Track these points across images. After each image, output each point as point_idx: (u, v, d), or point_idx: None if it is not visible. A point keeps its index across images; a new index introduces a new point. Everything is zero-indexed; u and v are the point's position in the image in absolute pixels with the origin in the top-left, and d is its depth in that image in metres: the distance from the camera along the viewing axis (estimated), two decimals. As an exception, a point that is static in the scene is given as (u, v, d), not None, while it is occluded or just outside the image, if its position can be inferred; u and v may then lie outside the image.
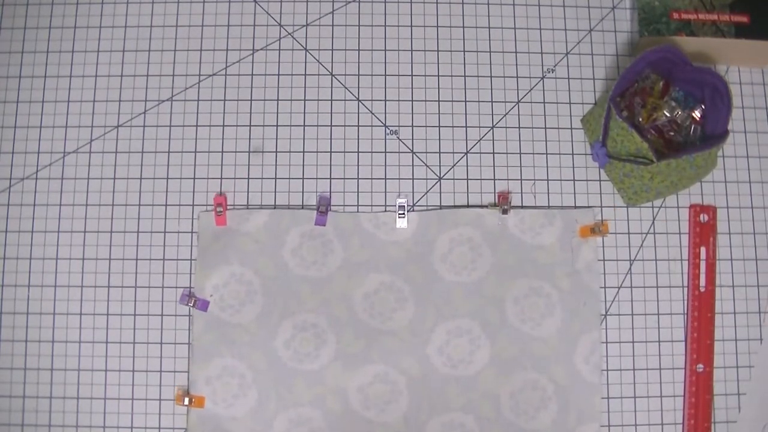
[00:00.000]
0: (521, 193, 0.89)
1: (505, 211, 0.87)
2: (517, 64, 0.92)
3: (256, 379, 0.84)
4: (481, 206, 0.88)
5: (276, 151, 0.89)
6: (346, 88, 0.91)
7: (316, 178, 0.89)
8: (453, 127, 0.91)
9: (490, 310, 0.86)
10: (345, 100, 0.91)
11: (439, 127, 0.90)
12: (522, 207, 0.88)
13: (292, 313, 0.85)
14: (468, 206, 0.88)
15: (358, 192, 0.89)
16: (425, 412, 0.84)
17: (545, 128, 0.91)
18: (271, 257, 0.86)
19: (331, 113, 0.90)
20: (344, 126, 0.90)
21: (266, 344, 0.85)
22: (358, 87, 0.91)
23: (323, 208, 0.87)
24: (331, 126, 0.90)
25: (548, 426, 0.84)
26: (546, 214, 0.88)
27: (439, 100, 0.91)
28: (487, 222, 0.87)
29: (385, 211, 0.88)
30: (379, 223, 0.87)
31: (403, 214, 0.87)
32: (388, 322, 0.85)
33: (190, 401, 0.83)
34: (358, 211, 0.88)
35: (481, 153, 0.90)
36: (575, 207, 0.89)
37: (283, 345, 0.84)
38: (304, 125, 0.90)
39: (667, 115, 0.87)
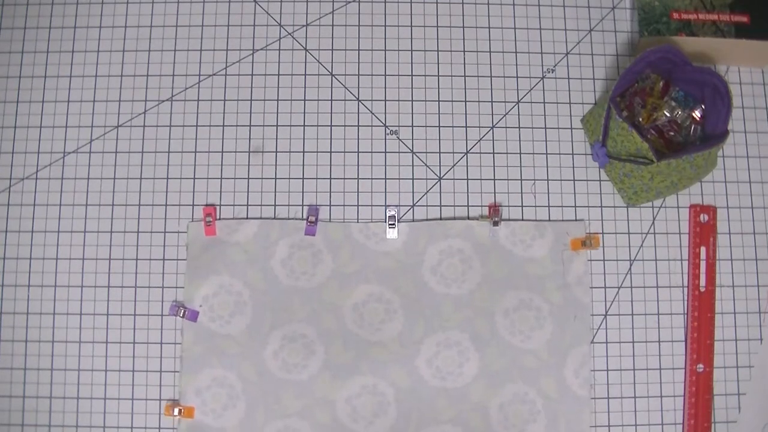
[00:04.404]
0: (521, 193, 0.89)
1: (496, 223, 0.87)
2: (517, 64, 0.92)
3: (245, 389, 0.84)
4: (472, 218, 0.87)
5: (276, 151, 0.89)
6: (346, 88, 0.91)
7: (316, 178, 0.89)
8: (453, 127, 0.91)
9: (479, 323, 0.85)
10: (345, 100, 0.91)
11: (439, 127, 0.90)
12: (512, 209, 0.89)
13: (282, 323, 0.85)
14: (456, 209, 0.88)
15: (357, 192, 0.89)
16: (414, 424, 0.84)
17: (545, 128, 0.91)
18: (261, 268, 0.86)
19: (331, 113, 0.90)
20: (344, 126, 0.90)
21: (255, 355, 0.84)
22: (358, 87, 0.91)
23: (313, 218, 0.87)
24: (331, 126, 0.90)
25: None
26: (537, 226, 0.87)
27: (439, 100, 0.91)
28: (477, 234, 0.87)
29: (386, 211, 0.88)
30: (369, 234, 0.87)
31: (394, 224, 0.87)
32: (377, 333, 0.85)
33: (180, 412, 0.83)
34: (357, 212, 0.88)
35: (481, 153, 0.90)
36: (564, 209, 0.89)
37: (272, 355, 0.84)
38: (304, 125, 0.90)
39: (667, 115, 0.87)
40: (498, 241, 0.87)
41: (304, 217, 0.87)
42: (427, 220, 0.88)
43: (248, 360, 0.84)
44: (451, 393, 0.84)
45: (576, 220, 0.88)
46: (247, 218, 0.87)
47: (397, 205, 0.88)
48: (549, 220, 0.88)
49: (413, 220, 0.88)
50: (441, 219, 0.88)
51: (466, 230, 0.87)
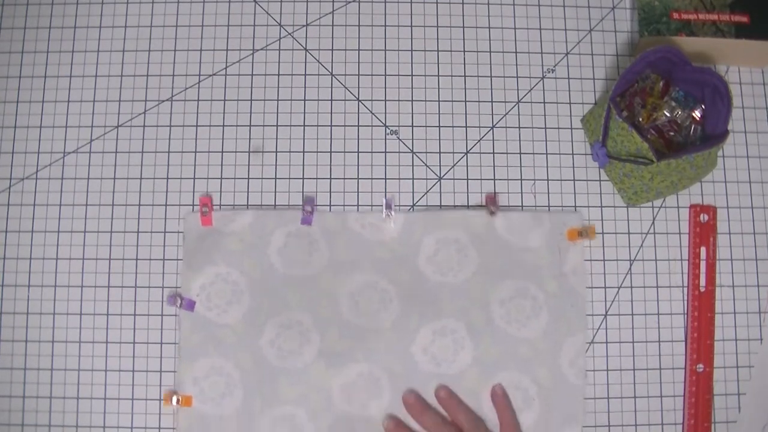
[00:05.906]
0: (521, 193, 0.89)
1: (492, 213, 0.87)
2: (517, 64, 0.92)
3: (242, 377, 0.84)
4: (469, 206, 0.87)
5: (276, 151, 0.89)
6: (346, 88, 0.91)
7: (316, 178, 0.89)
8: (453, 127, 0.91)
9: (475, 312, 0.85)
10: (345, 100, 0.91)
11: (439, 127, 0.91)
12: (511, 207, 0.89)
13: (278, 312, 0.85)
14: (455, 206, 0.88)
15: (357, 192, 0.89)
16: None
17: (545, 128, 0.91)
18: (257, 257, 0.86)
19: (331, 113, 0.90)
20: (344, 126, 0.90)
21: (252, 343, 0.85)
22: (358, 87, 0.91)
23: (309, 207, 0.87)
24: (331, 126, 0.90)
25: (531, 426, 0.84)
26: (534, 217, 0.87)
27: (439, 100, 0.91)
28: (473, 223, 0.87)
29: (384, 200, 0.88)
30: (365, 223, 0.87)
31: (390, 214, 0.87)
32: (373, 322, 0.85)
33: (178, 401, 0.83)
34: (358, 211, 0.88)
35: (481, 153, 0.90)
36: (564, 208, 0.89)
37: (268, 343, 0.85)
38: (304, 125, 0.90)
39: (667, 115, 0.87)
40: (494, 231, 0.87)
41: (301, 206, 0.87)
42: (429, 208, 0.87)
43: (245, 349, 0.84)
44: (444, 379, 0.84)
45: (574, 210, 0.88)
46: (242, 207, 0.87)
47: (396, 192, 0.88)
48: (546, 211, 0.88)
49: (409, 210, 0.88)
50: (438, 208, 0.87)
51: (462, 220, 0.87)
